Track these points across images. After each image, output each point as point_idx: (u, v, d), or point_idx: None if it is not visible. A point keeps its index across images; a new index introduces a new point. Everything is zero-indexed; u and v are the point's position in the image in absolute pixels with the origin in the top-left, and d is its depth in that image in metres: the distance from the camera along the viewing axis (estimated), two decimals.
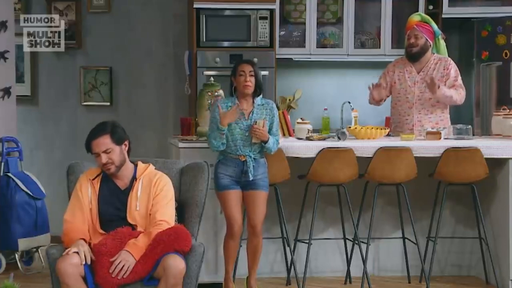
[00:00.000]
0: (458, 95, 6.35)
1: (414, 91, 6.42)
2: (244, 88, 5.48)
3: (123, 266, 4.31)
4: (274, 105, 5.61)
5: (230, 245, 5.56)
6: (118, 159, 4.56)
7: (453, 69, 6.41)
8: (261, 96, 5.58)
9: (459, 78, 6.41)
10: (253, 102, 5.53)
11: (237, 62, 5.68)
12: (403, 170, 5.89)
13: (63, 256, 4.33)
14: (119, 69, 7.86)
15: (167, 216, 4.53)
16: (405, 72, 6.47)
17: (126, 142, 4.63)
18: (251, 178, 5.46)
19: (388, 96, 6.55)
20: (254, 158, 5.48)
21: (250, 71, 5.48)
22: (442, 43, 6.58)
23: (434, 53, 6.49)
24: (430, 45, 6.43)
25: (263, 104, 5.55)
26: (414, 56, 6.42)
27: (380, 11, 7.62)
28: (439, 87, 6.22)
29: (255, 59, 7.00)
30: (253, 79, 5.48)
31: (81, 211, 4.53)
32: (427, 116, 6.41)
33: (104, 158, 4.53)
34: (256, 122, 5.45)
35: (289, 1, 7.65)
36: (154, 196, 4.55)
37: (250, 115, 5.50)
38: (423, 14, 6.59)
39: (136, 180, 4.61)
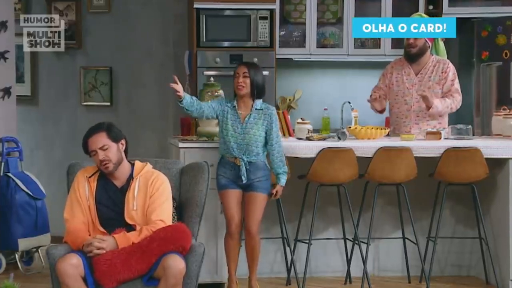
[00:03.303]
0: (453, 103, 6.30)
1: (412, 93, 6.40)
2: (236, 89, 5.50)
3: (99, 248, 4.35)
4: (274, 111, 5.57)
5: (229, 243, 5.57)
6: (115, 157, 4.57)
7: (451, 72, 6.37)
8: (261, 100, 5.57)
9: (456, 82, 6.36)
10: (252, 106, 5.53)
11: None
12: (403, 170, 5.89)
13: (63, 256, 4.34)
14: (119, 69, 7.86)
15: (163, 215, 4.53)
16: (403, 74, 6.45)
17: (123, 141, 4.65)
18: (244, 182, 5.47)
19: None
20: (249, 162, 5.48)
21: (244, 73, 5.48)
22: (441, 45, 6.57)
23: (433, 55, 6.48)
24: (429, 46, 6.41)
25: (262, 109, 5.53)
26: (413, 57, 6.40)
27: (380, 11, 7.62)
28: (431, 105, 6.19)
29: (255, 59, 7.01)
30: (247, 80, 5.47)
31: (79, 208, 4.56)
32: (425, 119, 6.39)
33: (101, 154, 4.53)
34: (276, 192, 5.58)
35: (289, 1, 7.64)
36: (150, 195, 4.56)
37: (246, 119, 5.49)
38: (424, 15, 6.58)
39: (133, 179, 4.61)
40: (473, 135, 6.54)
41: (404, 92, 6.42)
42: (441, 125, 6.37)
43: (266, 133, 5.51)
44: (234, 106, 5.52)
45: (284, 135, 6.39)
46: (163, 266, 4.30)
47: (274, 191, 5.57)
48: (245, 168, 5.46)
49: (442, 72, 6.36)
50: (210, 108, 5.52)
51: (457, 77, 6.39)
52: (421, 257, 6.10)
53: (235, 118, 5.50)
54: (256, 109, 5.52)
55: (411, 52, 6.38)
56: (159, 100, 7.84)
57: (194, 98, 5.54)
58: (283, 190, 5.66)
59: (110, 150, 4.56)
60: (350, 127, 6.24)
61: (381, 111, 6.51)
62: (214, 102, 5.56)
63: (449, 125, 6.45)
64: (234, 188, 5.51)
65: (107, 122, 4.69)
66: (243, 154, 5.47)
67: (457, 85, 6.36)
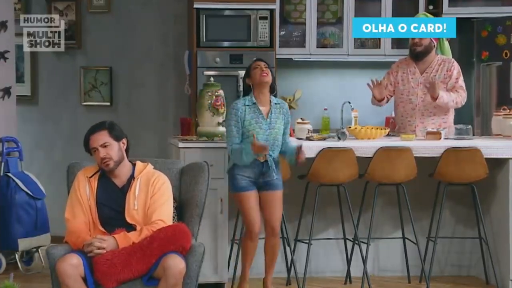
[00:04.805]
0: (459, 97, 6.34)
1: (417, 92, 6.41)
2: (262, 77, 5.40)
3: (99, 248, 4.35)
4: (287, 106, 5.61)
5: (249, 246, 5.50)
6: (116, 155, 4.58)
7: (456, 70, 6.39)
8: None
9: (461, 79, 6.39)
10: (270, 100, 5.49)
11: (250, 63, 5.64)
12: (403, 170, 5.90)
13: (63, 256, 4.34)
14: (119, 69, 7.86)
15: (164, 216, 4.53)
16: (409, 73, 6.46)
17: (124, 141, 4.66)
18: (275, 177, 5.41)
19: (391, 96, 6.54)
20: (273, 158, 5.45)
21: (264, 65, 5.47)
22: (446, 44, 6.58)
23: (438, 54, 6.49)
24: (434, 46, 6.42)
25: (278, 103, 5.52)
26: (418, 56, 6.41)
27: (380, 11, 7.62)
28: (437, 95, 6.21)
29: (255, 59, 7.00)
30: (268, 71, 5.45)
31: (80, 208, 4.56)
32: (430, 118, 6.39)
33: (102, 152, 4.54)
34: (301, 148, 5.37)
35: (289, 1, 7.65)
36: (151, 195, 4.56)
37: (269, 114, 5.46)
38: (429, 14, 6.58)
39: (134, 179, 4.62)
40: (473, 135, 6.54)
41: (409, 91, 6.43)
42: (446, 124, 6.38)
43: (284, 126, 5.52)
44: (254, 103, 5.45)
45: None
46: (163, 266, 4.30)
47: (301, 148, 5.35)
48: (274, 164, 5.42)
49: (447, 71, 6.37)
50: (240, 136, 5.39)
51: (461, 75, 6.41)
52: (421, 257, 6.10)
53: (257, 115, 5.42)
54: (274, 103, 5.51)
55: (416, 51, 6.39)
56: (159, 100, 7.84)
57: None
58: (284, 190, 5.66)
59: (111, 148, 4.57)
60: (350, 127, 6.25)
61: (381, 101, 6.48)
62: (233, 125, 5.38)
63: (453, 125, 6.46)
64: (252, 189, 5.42)
65: (109, 120, 4.70)
66: (272, 151, 5.43)
67: (461, 82, 6.38)
